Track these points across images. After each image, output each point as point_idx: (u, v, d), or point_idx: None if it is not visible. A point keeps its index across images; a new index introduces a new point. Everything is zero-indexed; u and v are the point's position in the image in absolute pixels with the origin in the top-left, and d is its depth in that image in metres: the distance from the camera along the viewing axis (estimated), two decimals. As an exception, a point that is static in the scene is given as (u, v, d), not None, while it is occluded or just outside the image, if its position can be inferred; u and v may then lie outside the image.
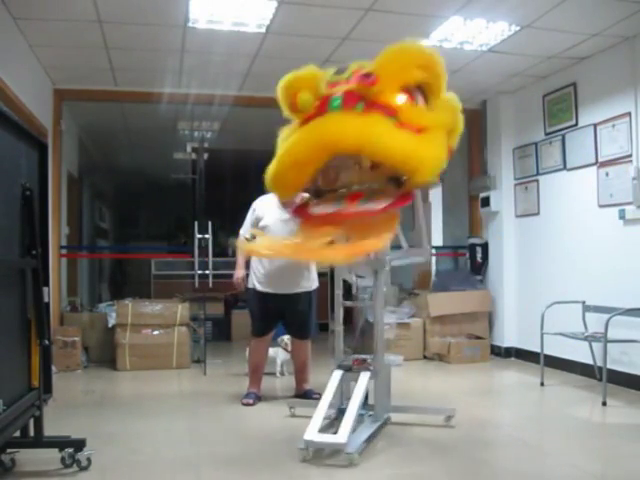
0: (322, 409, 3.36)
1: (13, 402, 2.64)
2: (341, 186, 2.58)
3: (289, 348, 5.09)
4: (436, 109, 2.47)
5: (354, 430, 3.25)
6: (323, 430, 3.31)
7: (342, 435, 3.12)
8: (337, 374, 3.60)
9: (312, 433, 3.17)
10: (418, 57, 2.50)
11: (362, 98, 2.32)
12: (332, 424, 3.50)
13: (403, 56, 2.47)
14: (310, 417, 3.31)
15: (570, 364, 5.41)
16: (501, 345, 6.50)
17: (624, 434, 3.70)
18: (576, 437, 3.67)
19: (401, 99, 2.41)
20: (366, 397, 3.67)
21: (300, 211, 2.73)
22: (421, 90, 2.52)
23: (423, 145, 2.27)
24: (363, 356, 3.79)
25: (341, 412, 3.44)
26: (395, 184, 2.52)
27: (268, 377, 5.08)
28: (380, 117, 2.28)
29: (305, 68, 2.68)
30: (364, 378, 3.52)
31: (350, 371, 3.63)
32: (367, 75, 2.36)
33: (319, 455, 3.17)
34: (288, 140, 2.56)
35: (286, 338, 5.12)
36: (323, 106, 2.41)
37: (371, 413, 3.66)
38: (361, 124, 2.24)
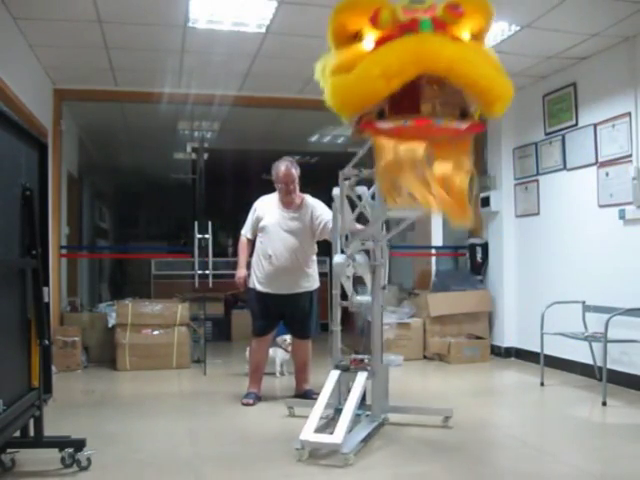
0: (319, 409, 3.37)
1: (13, 402, 2.64)
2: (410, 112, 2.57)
3: (290, 348, 5.10)
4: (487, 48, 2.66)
5: (350, 430, 3.25)
6: (320, 430, 3.31)
7: (338, 435, 3.12)
8: (334, 374, 3.61)
9: (308, 433, 3.18)
10: (485, 5, 2.60)
11: (447, 27, 2.41)
12: (329, 424, 3.50)
13: (481, 2, 2.59)
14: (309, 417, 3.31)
15: (570, 364, 5.41)
16: (501, 345, 6.50)
17: (624, 434, 3.70)
18: (576, 437, 3.67)
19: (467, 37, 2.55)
20: (364, 397, 3.67)
21: (370, 126, 2.69)
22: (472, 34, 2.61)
23: (503, 79, 2.49)
24: (361, 356, 3.80)
25: (338, 412, 3.44)
26: (462, 116, 2.59)
27: (268, 377, 5.09)
28: (471, 44, 2.40)
29: None
30: (361, 378, 3.53)
31: (347, 371, 3.64)
32: (455, 6, 2.42)
33: (319, 455, 3.17)
34: (374, 52, 2.54)
35: (288, 338, 5.13)
36: (412, 25, 2.44)
37: (368, 413, 3.66)
38: (456, 47, 2.34)
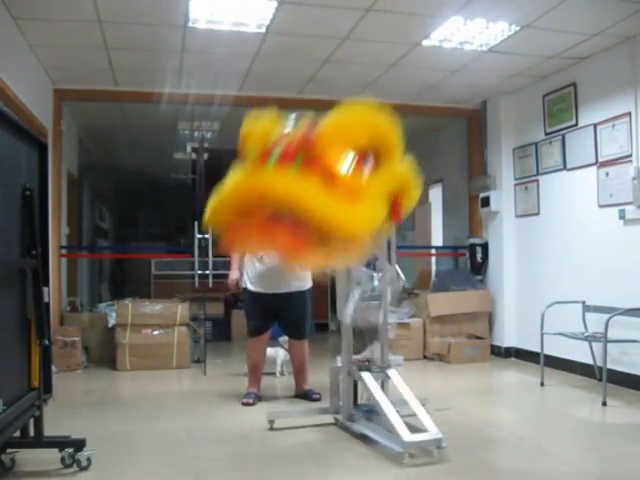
0: (392, 412, 3.28)
1: (13, 402, 2.64)
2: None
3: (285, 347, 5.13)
4: (381, 175, 2.51)
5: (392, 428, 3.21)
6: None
7: (434, 431, 3.15)
8: (368, 376, 3.52)
9: (409, 435, 3.11)
10: (366, 124, 2.54)
11: (300, 157, 2.38)
12: (344, 426, 3.52)
13: (350, 121, 2.52)
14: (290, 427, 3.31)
15: (570, 364, 5.41)
16: (501, 345, 6.50)
17: (624, 434, 3.70)
18: (576, 437, 3.67)
19: (344, 162, 2.46)
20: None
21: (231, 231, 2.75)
22: (374, 152, 2.56)
23: (345, 208, 2.33)
24: (363, 356, 3.79)
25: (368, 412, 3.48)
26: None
27: (268, 377, 5.09)
28: (310, 179, 2.33)
29: (267, 114, 2.70)
30: (396, 374, 3.55)
31: (371, 371, 3.60)
32: (307, 138, 2.41)
33: (317, 455, 3.17)
34: (228, 185, 2.62)
35: (281, 339, 5.16)
36: (263, 159, 2.48)
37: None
38: (289, 182, 2.31)
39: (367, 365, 3.66)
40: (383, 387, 3.57)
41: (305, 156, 2.38)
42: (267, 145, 2.51)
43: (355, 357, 3.78)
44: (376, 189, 2.43)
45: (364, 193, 2.39)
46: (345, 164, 2.45)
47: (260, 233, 2.46)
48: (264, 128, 2.63)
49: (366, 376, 3.53)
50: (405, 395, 3.42)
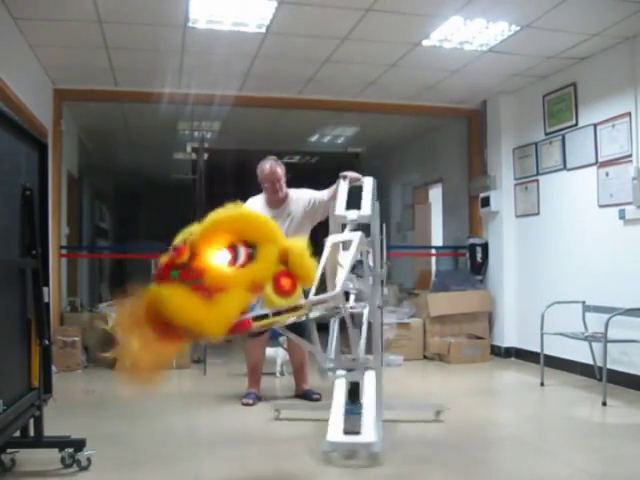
0: (338, 410, 3.28)
1: (13, 402, 2.64)
2: None
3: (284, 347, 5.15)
4: (257, 260, 2.69)
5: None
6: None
7: (369, 434, 3.07)
8: (341, 376, 3.55)
9: (336, 434, 3.09)
10: (225, 222, 2.74)
11: (175, 268, 2.58)
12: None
13: (213, 223, 2.77)
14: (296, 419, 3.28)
15: (570, 364, 5.41)
16: (501, 345, 6.50)
17: (624, 434, 3.70)
18: (576, 437, 3.67)
19: (217, 258, 2.65)
20: (358, 396, 3.68)
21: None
22: (250, 243, 2.73)
23: (210, 309, 2.51)
24: (350, 356, 3.80)
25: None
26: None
27: (269, 377, 5.09)
28: (175, 287, 2.52)
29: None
30: (371, 377, 3.52)
31: (351, 371, 3.61)
32: (175, 248, 2.62)
33: (317, 455, 3.17)
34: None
35: (281, 339, 5.17)
36: (165, 273, 2.66)
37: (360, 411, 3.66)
38: (158, 295, 2.50)
39: (351, 365, 3.64)
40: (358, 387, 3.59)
41: (178, 266, 2.59)
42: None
43: (345, 356, 3.79)
44: (240, 280, 2.62)
45: (228, 288, 2.58)
46: (216, 261, 2.66)
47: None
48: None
49: (340, 377, 3.55)
50: (367, 397, 3.37)
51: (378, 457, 3.06)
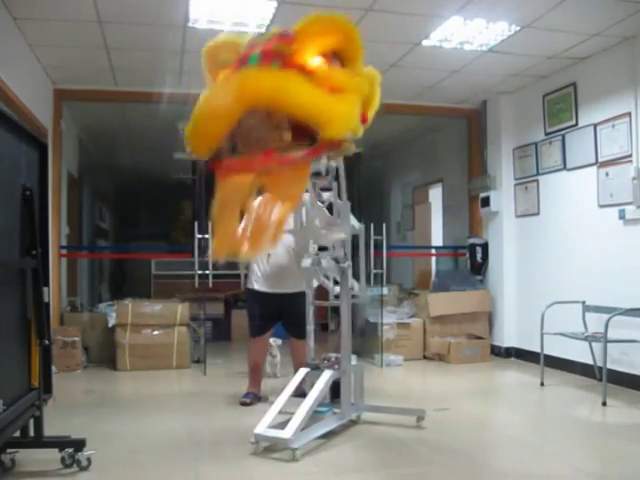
0: (278, 404, 3.45)
1: (13, 402, 2.64)
2: (258, 147, 2.53)
3: (274, 352, 5.23)
4: (352, 75, 2.51)
5: (304, 427, 3.29)
6: (280, 426, 3.33)
7: (288, 431, 3.17)
8: (302, 371, 3.70)
9: (262, 427, 3.24)
10: (335, 24, 2.55)
11: (279, 56, 2.34)
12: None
13: (321, 21, 2.52)
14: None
15: (570, 364, 5.41)
16: (501, 345, 6.50)
17: (624, 434, 3.70)
18: (576, 437, 3.67)
19: (316, 61, 2.43)
20: (338, 395, 3.75)
21: (217, 165, 2.66)
22: (339, 58, 2.55)
23: (335, 102, 2.31)
24: (334, 355, 3.83)
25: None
26: (310, 145, 2.51)
27: (270, 377, 5.09)
28: (295, 74, 2.30)
29: (227, 34, 2.69)
30: (326, 376, 3.60)
31: (317, 369, 3.69)
32: (284, 35, 2.39)
33: (317, 455, 3.17)
34: (205, 93, 2.55)
35: (271, 341, 5.21)
36: (240, 63, 2.43)
37: (336, 411, 3.73)
38: (275, 78, 2.27)
39: (315, 364, 3.77)
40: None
41: (284, 55, 2.36)
42: (241, 52, 2.48)
43: (325, 355, 3.82)
44: (352, 87, 2.42)
45: (343, 90, 2.38)
46: (318, 62, 2.44)
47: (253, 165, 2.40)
48: (235, 40, 2.60)
49: (301, 371, 3.70)
50: (310, 395, 3.47)
51: (295, 454, 3.10)
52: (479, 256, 6.84)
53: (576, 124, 5.50)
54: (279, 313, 4.49)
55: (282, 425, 3.29)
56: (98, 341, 6.10)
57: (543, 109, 5.95)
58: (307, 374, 3.72)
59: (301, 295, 4.42)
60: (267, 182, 2.46)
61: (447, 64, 5.57)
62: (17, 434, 2.88)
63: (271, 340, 5.22)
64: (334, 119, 2.25)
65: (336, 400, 3.80)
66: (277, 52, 2.34)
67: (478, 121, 6.93)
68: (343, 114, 2.29)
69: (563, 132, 5.66)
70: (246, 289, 4.54)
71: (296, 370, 4.64)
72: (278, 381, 5.08)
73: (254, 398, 4.42)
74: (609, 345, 4.46)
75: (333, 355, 3.85)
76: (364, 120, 2.57)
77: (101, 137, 8.62)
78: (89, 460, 2.93)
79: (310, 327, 3.96)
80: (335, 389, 3.80)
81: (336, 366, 3.70)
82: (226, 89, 2.31)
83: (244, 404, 4.35)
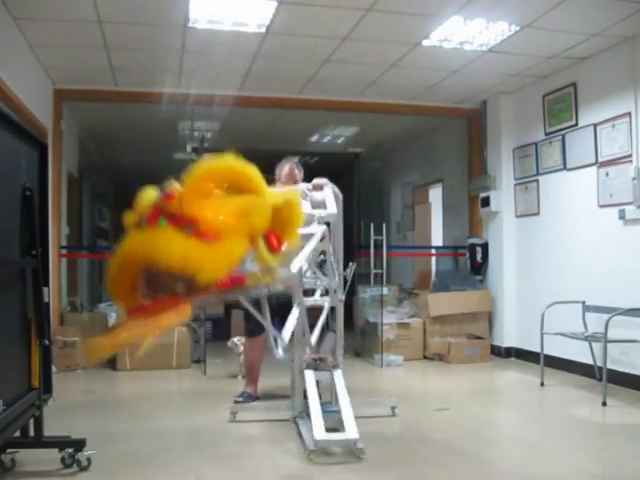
0: (316, 409, 3.35)
1: (13, 402, 2.64)
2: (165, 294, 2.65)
3: (239, 350, 5.20)
4: (254, 212, 2.59)
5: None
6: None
7: (352, 431, 3.15)
8: (310, 375, 3.63)
9: (321, 433, 3.16)
10: (216, 172, 2.64)
11: (164, 214, 2.40)
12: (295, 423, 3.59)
13: (202, 173, 2.61)
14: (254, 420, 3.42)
15: (570, 364, 5.41)
16: (501, 345, 6.50)
17: (624, 434, 3.70)
18: (576, 437, 3.67)
19: (202, 205, 2.47)
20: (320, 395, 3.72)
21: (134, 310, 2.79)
22: (237, 190, 2.63)
23: (205, 249, 2.35)
24: (320, 355, 3.86)
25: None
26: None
27: (270, 378, 5.08)
28: (167, 230, 2.36)
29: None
30: (339, 375, 3.60)
31: (318, 370, 3.68)
32: (166, 193, 2.49)
33: (315, 454, 3.17)
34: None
35: (236, 339, 5.24)
36: (135, 227, 2.54)
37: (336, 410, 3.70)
38: (146, 239, 2.34)
39: (316, 364, 3.73)
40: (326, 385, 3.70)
41: (168, 211, 2.47)
42: (140, 214, 2.59)
43: (310, 355, 3.82)
44: (243, 227, 2.50)
45: (226, 233, 2.48)
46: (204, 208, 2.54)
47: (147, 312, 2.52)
48: (146, 199, 2.69)
49: (308, 374, 3.61)
50: (341, 395, 3.46)
51: (363, 452, 3.10)
52: (479, 256, 6.84)
53: (576, 124, 5.50)
54: (277, 313, 4.49)
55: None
56: (98, 341, 6.09)
57: (543, 109, 5.95)
58: (308, 374, 3.67)
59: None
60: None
61: (447, 64, 5.57)
62: (17, 434, 2.88)
63: (235, 339, 5.27)
64: (203, 268, 2.32)
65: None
66: (160, 210, 2.42)
67: (478, 121, 6.93)
68: (213, 260, 2.35)
69: (563, 132, 5.66)
70: None
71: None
72: (278, 381, 5.10)
73: (248, 397, 4.43)
74: (609, 345, 4.45)
75: (320, 355, 3.86)
76: (279, 243, 2.65)
77: (101, 137, 8.63)
78: (89, 460, 2.92)
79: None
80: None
81: (339, 365, 3.71)
82: (117, 254, 2.46)
83: (237, 403, 4.36)
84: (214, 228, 2.44)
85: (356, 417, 3.29)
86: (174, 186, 2.51)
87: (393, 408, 3.99)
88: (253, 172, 2.67)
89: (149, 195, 2.58)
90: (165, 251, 2.29)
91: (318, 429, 3.18)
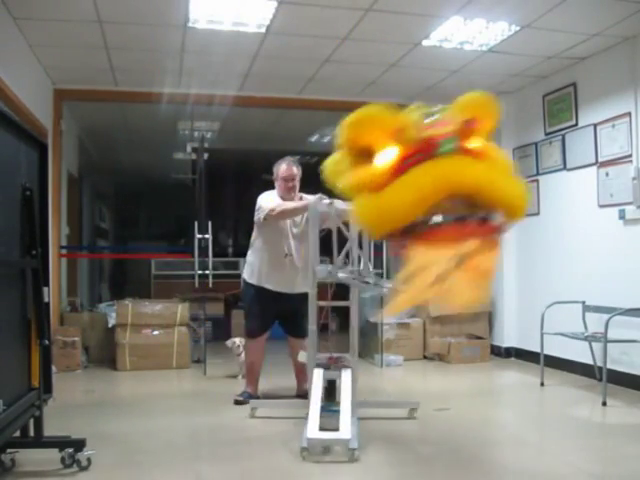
0: (315, 407, 3.37)
1: (13, 402, 2.64)
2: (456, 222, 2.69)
3: (239, 350, 5.22)
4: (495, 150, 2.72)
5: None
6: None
7: (346, 431, 3.15)
8: (318, 372, 3.63)
9: (314, 431, 3.18)
10: (491, 107, 2.73)
11: (459, 143, 2.51)
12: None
13: (485, 105, 2.76)
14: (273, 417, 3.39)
15: (570, 364, 5.41)
16: (501, 345, 6.50)
17: (624, 434, 3.71)
18: (576, 437, 3.67)
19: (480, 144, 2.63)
20: (334, 394, 3.73)
21: (413, 236, 2.72)
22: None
23: (523, 190, 2.60)
24: (337, 354, 3.82)
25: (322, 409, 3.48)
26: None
27: (268, 377, 5.09)
28: (493, 163, 2.52)
29: (374, 108, 2.76)
30: (347, 375, 3.59)
31: (329, 369, 3.67)
32: (471, 123, 2.56)
33: (317, 453, 3.17)
34: (405, 176, 2.59)
35: (237, 340, 5.25)
36: (430, 147, 2.52)
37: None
38: (480, 168, 2.45)
39: (326, 363, 3.73)
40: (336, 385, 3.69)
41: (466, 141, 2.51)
42: (423, 129, 2.58)
43: (324, 355, 3.81)
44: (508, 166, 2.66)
45: (508, 169, 2.61)
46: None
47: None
48: (379, 115, 2.68)
49: (316, 372, 3.61)
50: (344, 395, 3.45)
51: (355, 453, 3.08)
52: (479, 256, 6.82)
53: (576, 124, 5.50)
54: (279, 312, 4.49)
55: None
56: (98, 341, 6.11)
57: (543, 109, 5.95)
58: (317, 373, 3.65)
59: (303, 295, 4.43)
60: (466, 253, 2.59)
61: (447, 64, 5.57)
62: (17, 434, 2.88)
63: (237, 339, 5.26)
64: (523, 208, 2.56)
65: (332, 399, 3.78)
66: (465, 138, 2.52)
67: (478, 121, 6.92)
68: (525, 199, 2.59)
69: (563, 132, 5.65)
70: (247, 285, 4.52)
71: (297, 370, 4.65)
72: (278, 381, 5.10)
73: (248, 397, 4.42)
74: (609, 345, 4.45)
75: (336, 354, 3.84)
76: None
77: (101, 137, 8.63)
78: (89, 460, 2.92)
79: (313, 327, 3.93)
80: (330, 390, 3.78)
81: (350, 365, 3.69)
82: (431, 176, 2.47)
83: (237, 402, 4.37)
84: (501, 164, 2.58)
85: (375, 418, 3.25)
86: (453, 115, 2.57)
87: (413, 410, 3.92)
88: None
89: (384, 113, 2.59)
90: (500, 187, 2.41)
91: (312, 428, 3.20)
